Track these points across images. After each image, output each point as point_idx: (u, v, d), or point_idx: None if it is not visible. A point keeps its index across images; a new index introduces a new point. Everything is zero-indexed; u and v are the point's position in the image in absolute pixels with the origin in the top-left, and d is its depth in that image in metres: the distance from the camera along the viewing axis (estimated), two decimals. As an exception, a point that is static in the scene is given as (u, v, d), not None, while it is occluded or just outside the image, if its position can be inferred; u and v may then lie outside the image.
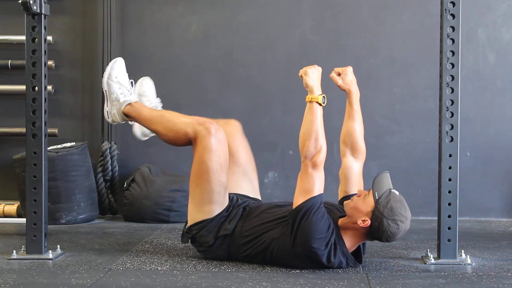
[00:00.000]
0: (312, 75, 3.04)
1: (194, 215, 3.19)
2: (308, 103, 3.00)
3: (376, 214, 2.92)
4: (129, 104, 3.34)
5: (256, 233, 3.11)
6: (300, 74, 3.06)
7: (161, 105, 3.53)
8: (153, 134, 3.45)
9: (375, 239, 3.00)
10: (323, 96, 3.00)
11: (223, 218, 3.18)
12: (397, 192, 2.98)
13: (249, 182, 3.40)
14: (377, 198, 2.94)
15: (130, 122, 3.44)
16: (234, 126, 3.44)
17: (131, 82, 3.42)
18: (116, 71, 3.38)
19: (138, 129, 3.51)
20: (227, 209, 3.20)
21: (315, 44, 4.55)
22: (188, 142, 3.21)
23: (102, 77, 3.39)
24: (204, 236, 3.17)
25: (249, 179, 3.40)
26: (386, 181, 3.00)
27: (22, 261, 3.17)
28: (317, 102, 2.99)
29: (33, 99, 3.23)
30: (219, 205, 3.18)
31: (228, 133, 3.33)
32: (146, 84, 3.52)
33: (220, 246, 3.16)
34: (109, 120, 3.38)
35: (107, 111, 3.37)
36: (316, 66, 3.07)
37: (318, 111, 2.99)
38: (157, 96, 3.52)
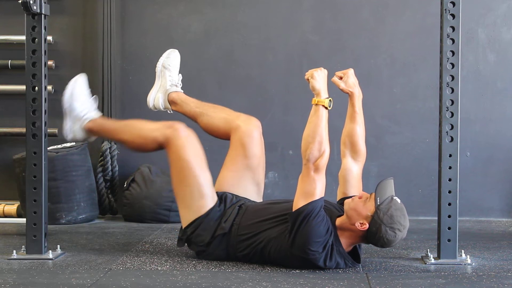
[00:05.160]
0: (319, 78, 3.01)
1: (187, 217, 3.19)
2: (314, 105, 2.98)
3: (375, 220, 2.92)
4: (90, 120, 3.38)
5: (254, 231, 3.10)
6: (306, 77, 3.04)
7: (181, 85, 3.52)
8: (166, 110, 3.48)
9: (371, 243, 3.01)
10: (330, 100, 2.98)
11: (218, 213, 3.17)
12: (398, 200, 2.97)
13: (256, 186, 3.37)
14: (378, 203, 2.93)
15: (90, 139, 3.48)
16: (254, 126, 3.37)
17: (95, 97, 3.45)
18: (78, 89, 3.41)
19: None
20: (218, 204, 3.20)
21: (315, 44, 4.54)
22: (158, 147, 3.24)
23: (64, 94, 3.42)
24: (200, 235, 3.16)
25: (256, 184, 3.37)
26: (390, 188, 2.99)
27: (22, 261, 3.17)
28: (323, 105, 2.97)
29: (33, 99, 3.23)
30: (210, 199, 3.18)
31: (246, 131, 3.32)
32: (173, 58, 3.51)
33: (218, 246, 3.16)
34: (69, 137, 3.40)
35: (68, 128, 3.39)
36: (322, 68, 3.05)
37: (324, 114, 2.97)
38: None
